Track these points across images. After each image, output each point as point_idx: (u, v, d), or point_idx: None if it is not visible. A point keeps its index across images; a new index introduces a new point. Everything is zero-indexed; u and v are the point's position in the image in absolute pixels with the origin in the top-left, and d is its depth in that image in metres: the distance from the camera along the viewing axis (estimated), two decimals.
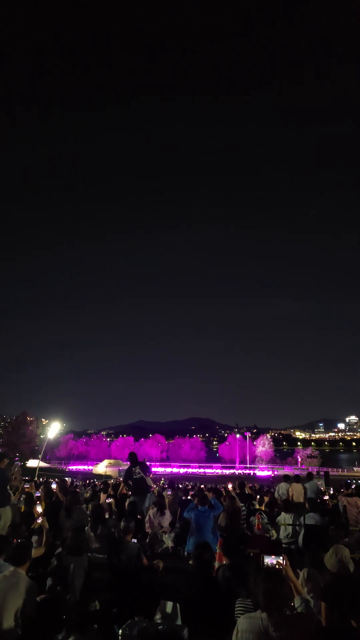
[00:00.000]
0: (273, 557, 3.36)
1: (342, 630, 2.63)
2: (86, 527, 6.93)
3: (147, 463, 10.65)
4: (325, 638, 2.66)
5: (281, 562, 3.19)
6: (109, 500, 9.06)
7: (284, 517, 7.63)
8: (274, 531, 8.07)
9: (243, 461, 79.35)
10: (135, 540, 5.24)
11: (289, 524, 7.43)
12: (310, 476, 13.09)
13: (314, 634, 2.62)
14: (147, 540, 7.57)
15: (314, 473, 24.38)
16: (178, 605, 3.57)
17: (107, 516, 7.59)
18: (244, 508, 9.14)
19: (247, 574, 3.42)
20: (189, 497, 12.17)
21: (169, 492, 12.03)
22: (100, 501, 8.98)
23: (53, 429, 41.40)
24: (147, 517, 8.50)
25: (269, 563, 3.35)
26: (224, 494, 10.07)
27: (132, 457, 9.48)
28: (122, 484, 9.94)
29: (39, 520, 5.32)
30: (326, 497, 14.13)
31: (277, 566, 3.19)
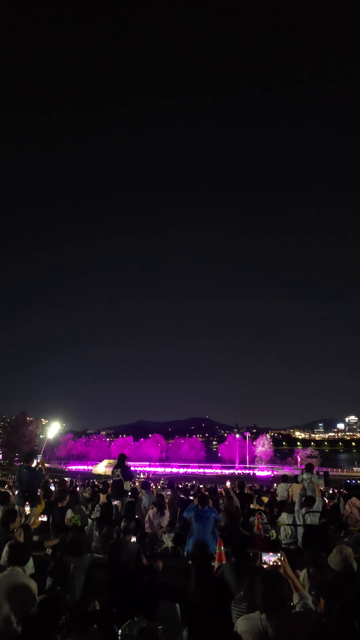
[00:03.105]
0: (271, 554, 3.37)
1: (341, 629, 2.62)
2: (91, 526, 6.93)
3: (145, 467, 10.51)
4: (325, 637, 2.66)
5: (280, 559, 3.19)
6: (116, 502, 9.03)
7: (284, 518, 7.63)
8: (273, 531, 8.07)
9: (243, 461, 79.33)
10: (134, 539, 5.25)
11: (288, 524, 7.43)
12: (309, 467, 12.94)
13: (313, 633, 2.61)
14: (147, 540, 7.57)
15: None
16: (178, 605, 3.57)
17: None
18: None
19: (247, 574, 3.42)
20: (190, 497, 12.17)
21: (169, 492, 12.03)
22: (100, 501, 8.98)
23: (53, 429, 41.36)
24: (146, 517, 8.50)
25: (267, 561, 3.35)
26: (224, 494, 10.08)
27: (120, 459, 9.36)
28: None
29: (41, 518, 5.33)
30: (325, 499, 14.12)
31: (276, 562, 3.19)
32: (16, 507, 6.67)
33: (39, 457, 8.22)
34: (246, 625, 2.61)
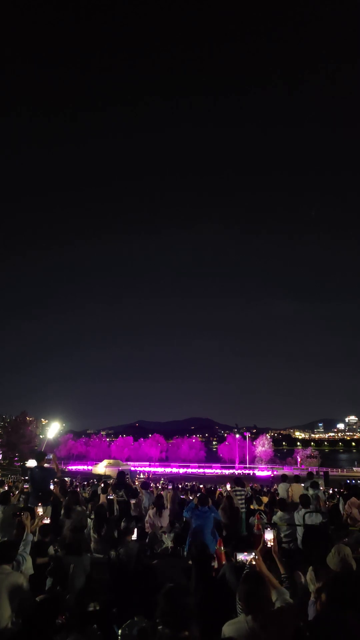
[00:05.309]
0: (246, 553, 3.38)
1: (334, 623, 2.63)
2: (88, 528, 6.92)
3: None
4: (314, 630, 2.67)
5: (254, 558, 3.21)
6: (111, 496, 9.00)
7: (279, 517, 7.62)
8: (274, 531, 8.07)
9: (242, 461, 79.29)
10: (135, 537, 5.26)
11: (289, 524, 7.43)
12: (310, 476, 13.10)
13: (298, 627, 2.65)
14: (147, 540, 7.57)
15: (314, 473, 24.40)
16: None
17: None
18: (243, 508, 9.16)
19: None
20: (191, 498, 12.18)
21: (170, 487, 12.02)
22: (100, 501, 8.97)
23: (53, 429, 41.52)
24: (147, 517, 8.50)
25: (242, 559, 3.36)
26: (224, 494, 10.08)
27: (119, 477, 9.10)
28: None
29: (46, 521, 5.32)
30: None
31: (251, 562, 3.21)
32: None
33: (50, 455, 8.23)
34: (233, 630, 2.58)
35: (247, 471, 64.60)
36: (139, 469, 55.90)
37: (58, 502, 7.88)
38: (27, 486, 12.01)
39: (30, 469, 7.99)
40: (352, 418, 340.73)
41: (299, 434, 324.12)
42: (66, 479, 23.08)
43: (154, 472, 56.90)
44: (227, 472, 63.57)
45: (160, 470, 64.61)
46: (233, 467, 72.94)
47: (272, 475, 51.01)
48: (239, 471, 64.20)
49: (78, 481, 27.61)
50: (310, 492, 8.89)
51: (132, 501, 8.84)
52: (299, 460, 78.52)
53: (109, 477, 26.71)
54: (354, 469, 70.54)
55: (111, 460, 59.52)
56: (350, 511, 8.08)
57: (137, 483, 14.39)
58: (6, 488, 12.84)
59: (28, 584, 3.59)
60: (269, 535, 3.36)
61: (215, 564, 5.21)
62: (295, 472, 34.49)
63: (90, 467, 62.08)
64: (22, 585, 3.46)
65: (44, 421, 79.17)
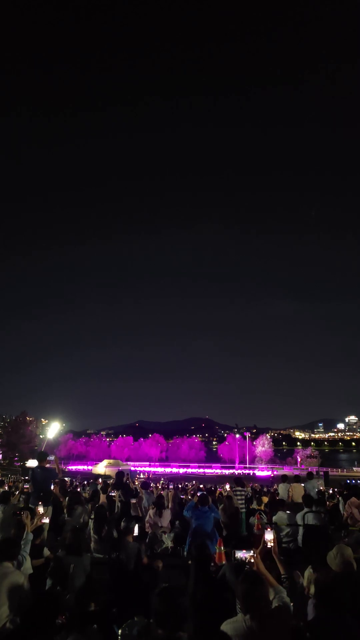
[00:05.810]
0: (244, 551, 3.38)
1: (333, 623, 2.64)
2: (89, 528, 6.91)
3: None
4: (313, 630, 2.69)
5: (252, 556, 3.22)
6: (114, 493, 8.97)
7: (280, 517, 7.63)
8: (274, 531, 8.06)
9: (242, 461, 79.27)
10: (135, 534, 5.26)
11: (289, 524, 7.43)
12: (310, 476, 13.10)
13: (298, 627, 2.70)
14: (147, 540, 7.57)
15: (314, 473, 24.41)
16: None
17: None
18: (243, 508, 9.16)
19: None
20: (190, 497, 12.18)
21: (171, 486, 12.02)
22: (100, 501, 8.97)
23: (53, 429, 41.49)
24: (147, 517, 8.51)
25: (240, 557, 3.37)
26: (223, 494, 10.08)
27: (117, 477, 9.09)
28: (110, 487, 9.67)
29: (45, 520, 5.32)
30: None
31: (249, 560, 3.22)
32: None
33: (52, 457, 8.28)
34: (230, 629, 2.59)
35: (247, 471, 64.57)
36: (139, 469, 55.88)
37: (58, 502, 7.88)
38: (28, 486, 12.03)
39: (31, 469, 8.03)
40: (352, 418, 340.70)
41: (299, 434, 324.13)
42: (66, 479, 23.08)
43: (154, 472, 56.86)
44: (227, 472, 63.50)
45: (160, 470, 64.58)
46: (233, 467, 72.90)
47: (272, 475, 50.97)
48: (239, 471, 64.14)
49: (78, 481, 27.58)
50: (314, 508, 8.92)
51: (132, 501, 8.83)
52: (299, 460, 78.49)
53: (108, 477, 26.68)
54: (354, 469, 70.54)
55: (111, 460, 59.45)
56: (350, 511, 8.08)
57: (137, 483, 14.39)
58: (6, 488, 12.84)
59: (28, 584, 3.60)
60: (269, 535, 3.37)
61: (213, 565, 5.21)
62: (295, 472, 34.47)
63: (90, 467, 62.01)
64: (22, 585, 3.46)
65: (44, 421, 79.11)
